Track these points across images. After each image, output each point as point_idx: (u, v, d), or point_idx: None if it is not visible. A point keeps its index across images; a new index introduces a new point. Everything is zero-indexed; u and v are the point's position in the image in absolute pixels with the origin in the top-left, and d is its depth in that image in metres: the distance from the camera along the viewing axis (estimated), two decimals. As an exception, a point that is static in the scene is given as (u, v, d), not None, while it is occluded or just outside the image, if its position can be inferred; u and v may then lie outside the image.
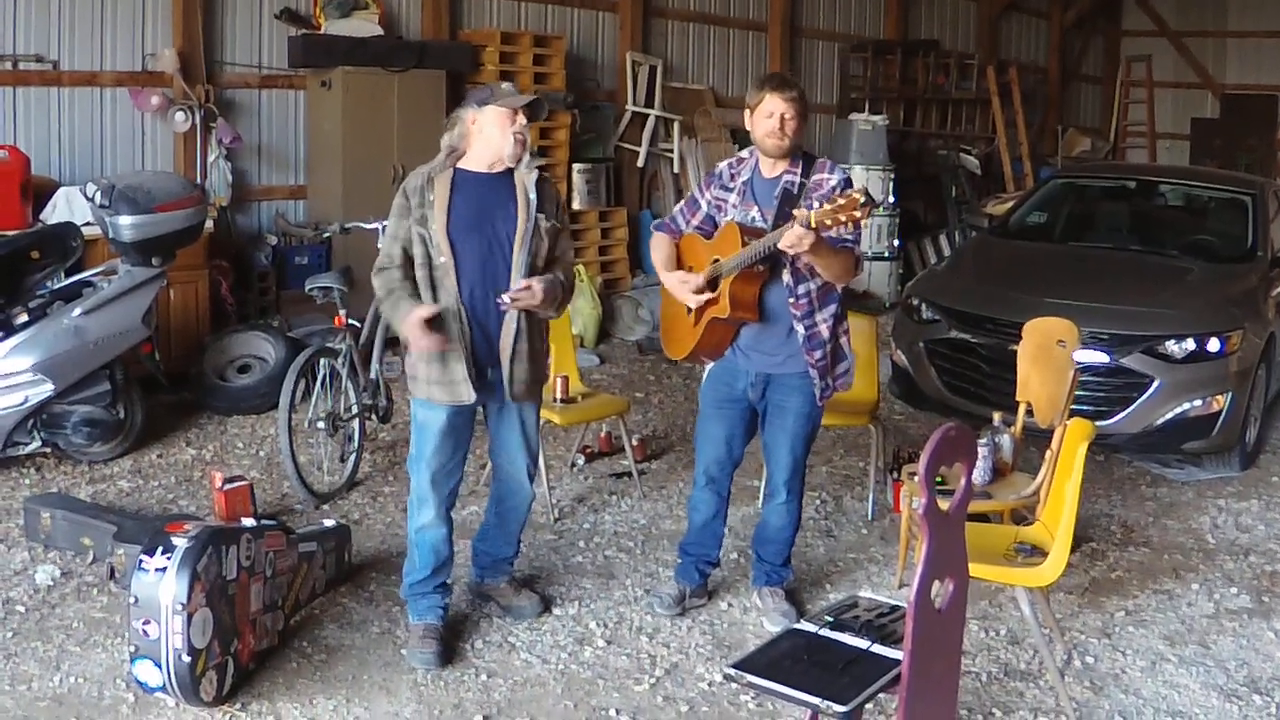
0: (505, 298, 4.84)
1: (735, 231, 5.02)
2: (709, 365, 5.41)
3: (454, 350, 4.90)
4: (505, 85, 5.09)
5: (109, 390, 7.02)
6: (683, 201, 5.48)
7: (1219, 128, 19.97)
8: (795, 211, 4.80)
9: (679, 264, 5.33)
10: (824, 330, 5.15)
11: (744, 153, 5.32)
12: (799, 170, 5.11)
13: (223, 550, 4.57)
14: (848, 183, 5.10)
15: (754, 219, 5.10)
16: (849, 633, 3.98)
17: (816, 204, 4.87)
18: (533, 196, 4.95)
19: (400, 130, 9.81)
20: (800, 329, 5.10)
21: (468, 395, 4.93)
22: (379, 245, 7.13)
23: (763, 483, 5.85)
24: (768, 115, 5.03)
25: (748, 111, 5.14)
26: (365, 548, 6.10)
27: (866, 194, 4.57)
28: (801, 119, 5.08)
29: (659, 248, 5.40)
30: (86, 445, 7.00)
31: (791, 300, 5.07)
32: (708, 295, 5.09)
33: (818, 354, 5.15)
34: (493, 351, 4.97)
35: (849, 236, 4.93)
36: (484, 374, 4.98)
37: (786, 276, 5.05)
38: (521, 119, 4.94)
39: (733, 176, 5.25)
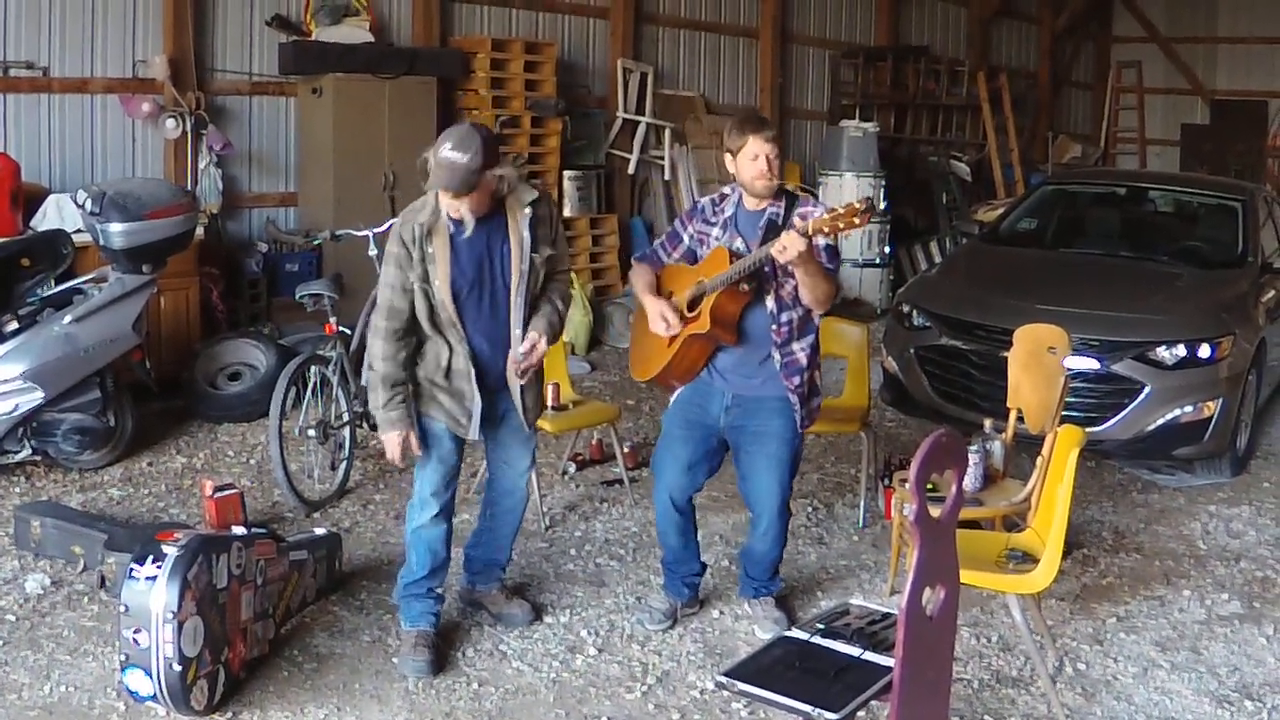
0: (517, 369, 4.89)
1: (724, 254, 5.04)
2: (678, 390, 5.37)
3: (465, 386, 4.91)
4: (446, 149, 4.53)
5: (99, 398, 7.00)
6: (664, 235, 5.47)
7: (1209, 133, 20.00)
8: (794, 220, 4.83)
9: (661, 290, 5.31)
10: (802, 358, 5.17)
11: (727, 189, 5.33)
12: (782, 204, 5.14)
13: (213, 558, 4.56)
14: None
15: (738, 249, 5.10)
16: (840, 640, 3.99)
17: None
18: (525, 235, 4.87)
19: (391, 137, 9.80)
20: (777, 355, 5.11)
21: (471, 434, 5.00)
22: (370, 254, 7.19)
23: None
24: (753, 158, 5.03)
25: (729, 155, 5.15)
26: (356, 556, 6.10)
27: (868, 201, 4.62)
28: (783, 155, 5.15)
29: (641, 275, 5.37)
30: (77, 453, 6.98)
31: (774, 327, 5.08)
32: (676, 326, 5.08)
33: (796, 380, 5.15)
34: (501, 382, 4.98)
35: (829, 264, 4.98)
36: (494, 407, 5.01)
37: (770, 303, 5.06)
38: (454, 200, 4.66)
39: (715, 212, 5.27)
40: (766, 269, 4.96)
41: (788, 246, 4.66)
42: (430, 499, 5.05)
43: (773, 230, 5.04)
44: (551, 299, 5.03)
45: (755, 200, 5.15)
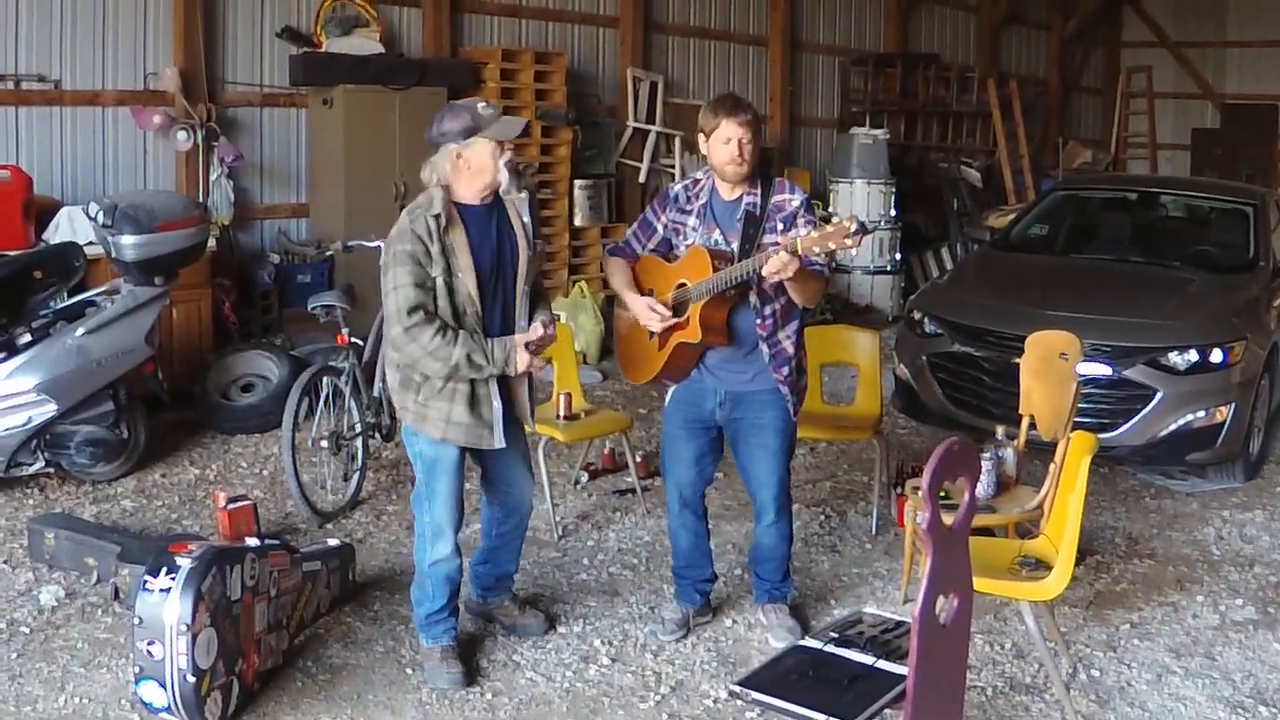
0: (529, 346, 4.81)
1: (704, 256, 4.98)
2: (672, 388, 5.36)
3: (484, 394, 4.84)
4: (483, 106, 4.82)
5: (112, 410, 7.02)
6: (635, 224, 5.40)
7: (1219, 138, 20.00)
8: (781, 238, 4.81)
9: (638, 286, 5.25)
10: (788, 347, 5.15)
11: (699, 174, 5.26)
12: (758, 191, 5.07)
13: (227, 570, 4.57)
14: (808, 204, 5.11)
15: (717, 242, 5.07)
16: (854, 648, 3.99)
17: (781, 225, 4.96)
18: (527, 220, 4.88)
19: (402, 148, 9.81)
20: (765, 348, 5.10)
21: (497, 442, 4.88)
22: (381, 264, 7.19)
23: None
24: (725, 141, 4.96)
25: (702, 136, 5.08)
26: (369, 566, 6.10)
27: (859, 222, 4.57)
28: (758, 141, 5.05)
29: (617, 271, 5.32)
30: (90, 465, 6.99)
31: (759, 321, 5.06)
32: (671, 322, 5.04)
33: (785, 370, 5.15)
34: (508, 388, 4.94)
35: (819, 261, 4.89)
36: (512, 415, 4.95)
37: (753, 298, 5.03)
38: (510, 146, 4.79)
39: (690, 199, 5.20)
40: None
41: (780, 270, 4.65)
42: (445, 529, 4.94)
43: (751, 222, 5.02)
44: (545, 295, 5.07)
45: (729, 187, 5.09)
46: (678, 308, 5.07)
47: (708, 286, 4.94)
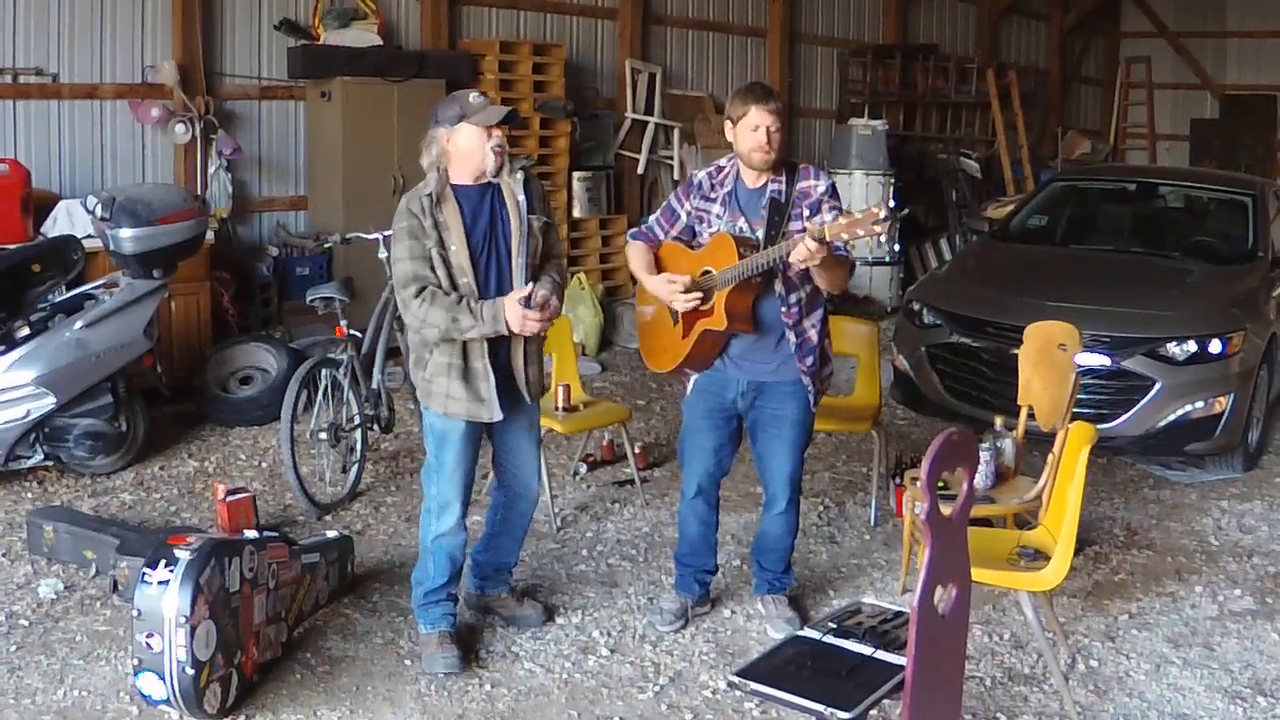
0: (522, 323, 4.81)
1: (729, 243, 4.96)
2: (694, 377, 5.36)
3: (479, 368, 4.89)
4: (474, 96, 4.95)
5: (111, 403, 7.02)
6: (659, 211, 5.40)
7: (1219, 128, 19.97)
8: (807, 224, 4.78)
9: (661, 274, 5.24)
10: (813, 335, 5.15)
11: (723, 161, 5.25)
12: (783, 178, 5.07)
13: (226, 562, 4.57)
14: (833, 189, 5.09)
15: (742, 229, 5.05)
16: (852, 639, 3.99)
17: (807, 211, 4.93)
18: (521, 198, 4.92)
19: (400, 140, 9.78)
20: (792, 336, 5.09)
21: (494, 414, 4.93)
22: (380, 256, 7.19)
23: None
24: (753, 129, 4.96)
25: (728, 123, 5.08)
26: (368, 558, 6.10)
27: (887, 208, 4.53)
28: (785, 129, 5.05)
29: (638, 255, 5.32)
30: (89, 458, 7.00)
31: (784, 309, 5.05)
32: (697, 298, 5.04)
33: (809, 360, 5.14)
34: (509, 362, 4.98)
35: (841, 246, 4.88)
36: (510, 388, 4.98)
37: (779, 285, 5.02)
38: (497, 132, 4.89)
39: (714, 187, 5.18)
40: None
41: (806, 256, 4.63)
42: (452, 502, 5.01)
43: (777, 209, 5.00)
44: (550, 274, 5.06)
45: (754, 174, 5.08)
46: (703, 295, 5.05)
47: (734, 273, 4.92)
